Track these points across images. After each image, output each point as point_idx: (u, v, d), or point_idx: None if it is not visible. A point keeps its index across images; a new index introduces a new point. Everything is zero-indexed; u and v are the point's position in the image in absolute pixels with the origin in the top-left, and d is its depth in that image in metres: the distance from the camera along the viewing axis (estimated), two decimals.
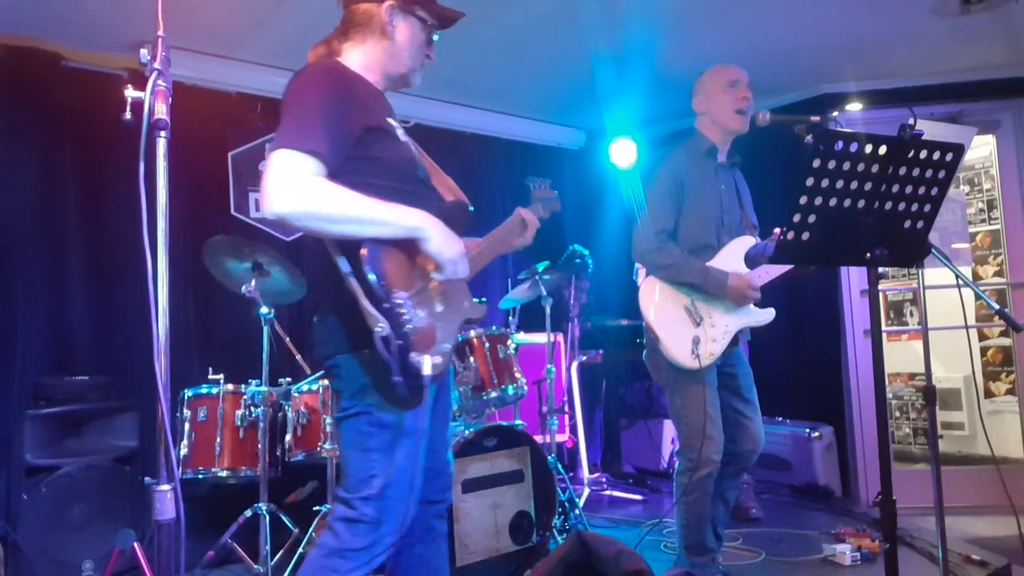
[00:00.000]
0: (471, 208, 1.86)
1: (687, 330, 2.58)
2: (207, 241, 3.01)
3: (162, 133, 1.33)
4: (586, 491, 4.30)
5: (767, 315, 2.66)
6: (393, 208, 1.54)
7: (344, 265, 1.53)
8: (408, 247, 1.58)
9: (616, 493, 4.47)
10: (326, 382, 2.97)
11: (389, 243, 1.54)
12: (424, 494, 1.81)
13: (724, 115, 2.64)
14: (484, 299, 1.93)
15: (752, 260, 2.64)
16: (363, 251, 1.49)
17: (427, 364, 1.50)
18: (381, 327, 1.46)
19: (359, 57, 1.76)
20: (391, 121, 1.72)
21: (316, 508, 2.97)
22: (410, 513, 1.66)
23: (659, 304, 2.62)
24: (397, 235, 1.54)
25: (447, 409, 1.93)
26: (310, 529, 2.97)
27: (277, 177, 1.44)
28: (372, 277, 1.47)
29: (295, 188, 1.44)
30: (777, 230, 1.73)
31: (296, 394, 3.11)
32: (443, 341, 1.62)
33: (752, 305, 2.63)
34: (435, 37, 1.86)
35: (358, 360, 1.59)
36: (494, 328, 3.36)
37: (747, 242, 2.67)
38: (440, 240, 1.59)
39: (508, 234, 2.01)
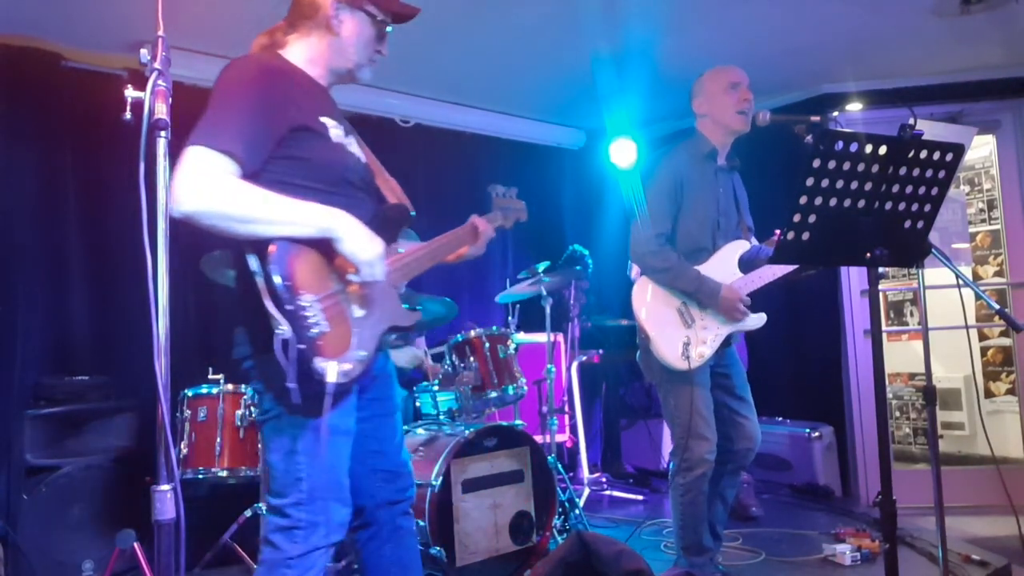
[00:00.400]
0: (412, 213, 1.81)
1: (678, 331, 2.59)
2: (202, 259, 3.05)
3: (162, 133, 1.33)
4: (586, 491, 4.30)
5: (758, 320, 2.66)
6: (305, 207, 1.49)
7: (253, 263, 1.45)
8: (326, 248, 1.52)
9: (616, 493, 4.47)
10: None
11: (304, 243, 1.48)
12: (385, 496, 1.83)
13: (726, 115, 2.64)
14: (419, 307, 1.87)
15: (747, 264, 2.64)
16: (271, 248, 1.43)
17: (331, 371, 1.42)
18: (282, 330, 1.39)
19: (303, 50, 1.70)
20: (325, 120, 1.65)
21: None
22: (347, 511, 1.64)
23: (651, 304, 2.62)
24: (308, 235, 1.48)
25: (394, 411, 1.88)
26: None
27: (187, 175, 1.39)
28: (276, 278, 1.40)
29: (204, 187, 1.39)
30: (777, 232, 1.73)
31: None
32: (359, 348, 1.54)
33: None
34: (388, 29, 1.79)
35: (273, 362, 1.47)
36: (494, 328, 3.36)
37: (742, 246, 2.67)
38: (355, 240, 1.52)
39: (456, 241, 1.96)
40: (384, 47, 1.79)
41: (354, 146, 1.75)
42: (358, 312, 1.59)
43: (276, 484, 1.59)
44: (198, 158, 1.41)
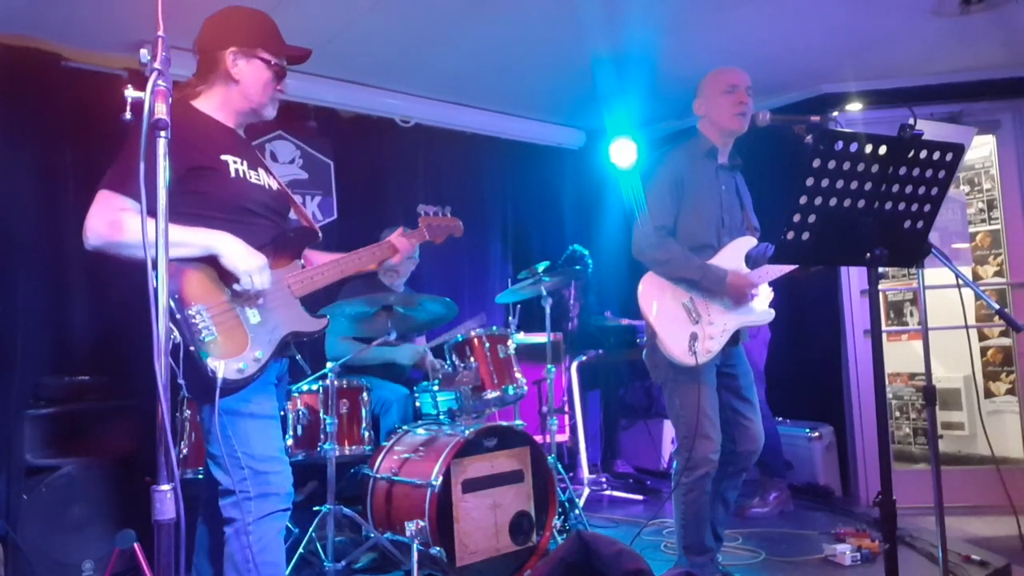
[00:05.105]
0: (319, 235, 2.07)
1: (685, 327, 2.58)
2: None
3: (162, 133, 1.33)
4: (586, 491, 4.30)
5: (766, 315, 2.66)
6: (190, 232, 1.74)
7: (152, 281, 1.62)
8: (217, 264, 1.76)
9: (616, 493, 4.46)
10: (326, 382, 2.97)
11: (196, 262, 1.75)
12: None
13: (721, 117, 2.64)
14: (325, 314, 2.04)
15: (753, 261, 2.64)
16: None
17: (221, 369, 1.69)
18: (174, 336, 1.65)
19: (210, 99, 1.94)
20: (225, 158, 1.87)
21: (316, 508, 2.96)
22: (289, 481, 1.88)
23: (658, 301, 2.62)
24: (195, 254, 1.75)
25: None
26: (310, 529, 2.97)
27: (91, 215, 1.70)
28: None
29: (103, 223, 1.69)
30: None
31: (296, 394, 3.11)
32: (256, 349, 1.78)
33: (752, 305, 2.63)
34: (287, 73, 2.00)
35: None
36: (494, 328, 3.36)
37: (748, 243, 2.67)
38: (233, 255, 1.76)
39: (369, 258, 2.18)
40: (283, 87, 2.02)
41: (261, 177, 1.97)
42: (254, 319, 1.82)
43: (223, 468, 1.81)
44: (99, 199, 1.72)
